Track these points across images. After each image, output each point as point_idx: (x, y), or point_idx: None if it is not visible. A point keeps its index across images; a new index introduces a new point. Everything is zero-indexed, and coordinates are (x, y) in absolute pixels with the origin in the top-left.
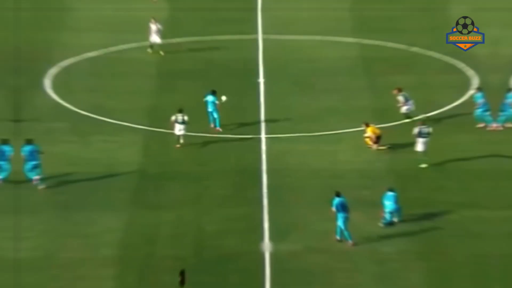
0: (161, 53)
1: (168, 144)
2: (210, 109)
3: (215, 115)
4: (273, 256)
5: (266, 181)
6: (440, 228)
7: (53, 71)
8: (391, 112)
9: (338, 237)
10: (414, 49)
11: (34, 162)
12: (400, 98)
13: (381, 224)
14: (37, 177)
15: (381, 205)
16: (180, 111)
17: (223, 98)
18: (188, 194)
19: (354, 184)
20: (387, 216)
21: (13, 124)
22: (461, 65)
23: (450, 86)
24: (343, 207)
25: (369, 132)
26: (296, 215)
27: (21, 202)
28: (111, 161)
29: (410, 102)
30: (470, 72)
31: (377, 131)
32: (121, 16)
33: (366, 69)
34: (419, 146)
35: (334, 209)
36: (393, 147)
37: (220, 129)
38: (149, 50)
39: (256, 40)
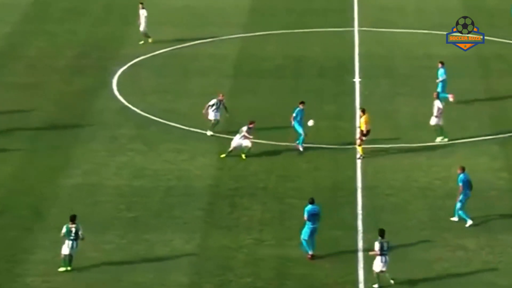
0: (141, 42)
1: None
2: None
3: (299, 131)
4: None
5: (362, 201)
6: None
7: (121, 69)
8: None
9: (310, 253)
10: None
11: None
12: None
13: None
14: None
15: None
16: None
17: (310, 122)
18: (269, 214)
19: (468, 206)
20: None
21: (75, 130)
22: None
23: None
24: (313, 217)
25: (362, 121)
26: (396, 242)
27: (86, 219)
28: (183, 173)
29: None
30: None
31: (367, 124)
32: (196, 7)
33: (483, 70)
34: (436, 120)
35: (305, 217)
36: (364, 156)
37: (301, 148)
38: (141, 42)
39: (352, 33)
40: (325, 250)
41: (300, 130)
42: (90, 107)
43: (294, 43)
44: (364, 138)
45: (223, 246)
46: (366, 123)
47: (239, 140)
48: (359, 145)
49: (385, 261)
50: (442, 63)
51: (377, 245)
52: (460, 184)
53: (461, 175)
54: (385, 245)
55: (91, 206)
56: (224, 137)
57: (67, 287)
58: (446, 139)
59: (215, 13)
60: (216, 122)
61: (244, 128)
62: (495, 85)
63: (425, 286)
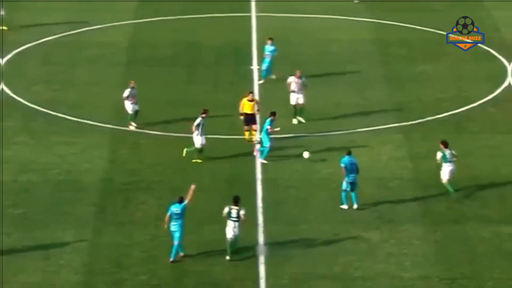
0: (5, 28)
1: (140, 147)
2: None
3: (264, 143)
4: (270, 285)
5: (262, 194)
6: (470, 248)
7: (5, 58)
8: (415, 108)
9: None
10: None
11: None
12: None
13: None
14: None
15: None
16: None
17: (306, 155)
18: (165, 208)
19: (371, 196)
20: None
21: None
22: (499, 52)
23: (484, 76)
24: (176, 215)
25: (243, 104)
26: (298, 235)
27: None
28: (72, 167)
29: None
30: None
31: (252, 108)
32: None
33: (384, 56)
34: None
35: (168, 215)
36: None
37: (264, 161)
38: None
39: (249, 19)
40: (224, 245)
41: (266, 143)
42: None
43: (188, 29)
44: (247, 125)
45: (117, 243)
46: (251, 109)
47: (199, 136)
48: (247, 131)
49: (234, 227)
50: (271, 39)
51: (225, 210)
52: (342, 165)
53: (344, 158)
54: (233, 212)
55: None
56: (117, 129)
57: None
58: (302, 120)
59: None
60: (135, 113)
61: (198, 120)
62: (396, 71)
63: (329, 280)
